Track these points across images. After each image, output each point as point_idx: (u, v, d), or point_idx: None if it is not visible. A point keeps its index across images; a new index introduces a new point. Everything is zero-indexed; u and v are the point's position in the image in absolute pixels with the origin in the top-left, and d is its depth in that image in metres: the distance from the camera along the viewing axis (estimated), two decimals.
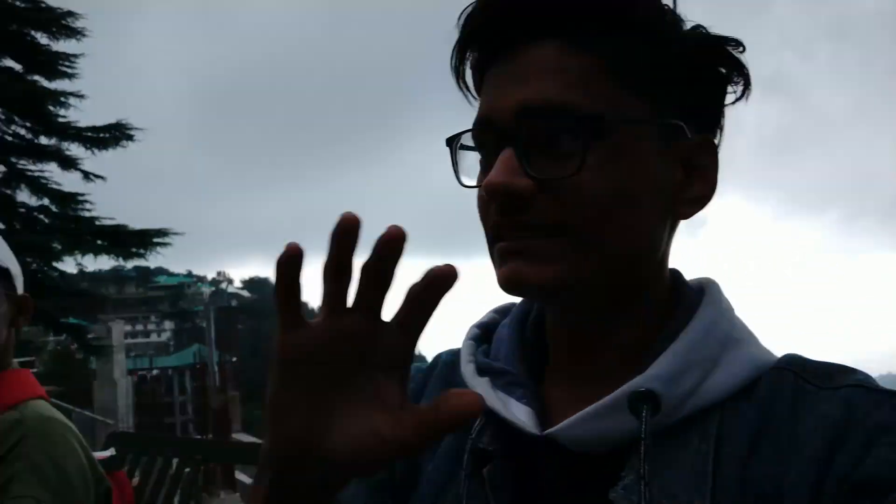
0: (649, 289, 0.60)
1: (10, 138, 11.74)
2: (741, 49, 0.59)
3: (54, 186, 11.88)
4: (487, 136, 0.58)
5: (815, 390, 0.54)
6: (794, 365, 0.57)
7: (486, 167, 0.59)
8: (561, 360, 0.63)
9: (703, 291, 0.62)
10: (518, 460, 0.60)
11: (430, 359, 0.76)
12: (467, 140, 0.61)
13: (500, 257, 0.57)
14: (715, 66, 0.59)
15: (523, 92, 0.55)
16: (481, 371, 0.64)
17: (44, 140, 11.99)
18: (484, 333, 0.70)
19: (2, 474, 1.08)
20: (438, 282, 0.43)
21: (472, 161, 0.62)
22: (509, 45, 0.57)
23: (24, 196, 11.67)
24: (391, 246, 0.42)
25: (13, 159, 11.65)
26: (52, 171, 11.88)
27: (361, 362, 0.45)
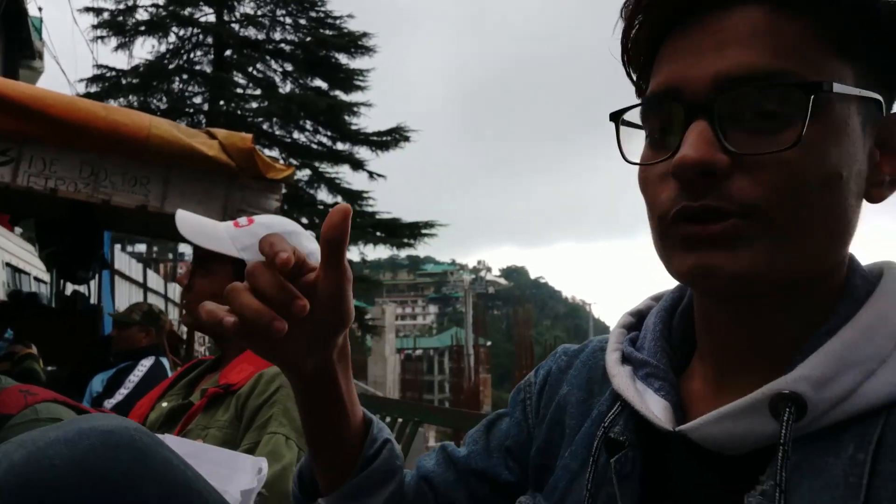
0: (829, 279, 0.54)
1: (315, 146, 13.97)
2: None
3: (346, 186, 13.84)
4: (672, 108, 0.52)
5: None
6: None
7: (659, 144, 0.54)
8: (707, 353, 0.59)
9: (881, 278, 0.55)
10: (649, 452, 0.57)
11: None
12: (632, 116, 0.57)
13: (685, 244, 0.51)
14: None
15: (725, 60, 0.50)
16: (625, 359, 0.63)
17: (339, 146, 14.00)
18: (637, 321, 0.68)
19: (263, 416, 1.34)
20: (336, 218, 0.56)
21: (636, 139, 0.57)
22: (702, 9, 0.52)
23: (322, 195, 13.79)
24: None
25: (317, 164, 13.83)
26: (344, 173, 13.91)
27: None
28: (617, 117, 0.57)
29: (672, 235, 0.52)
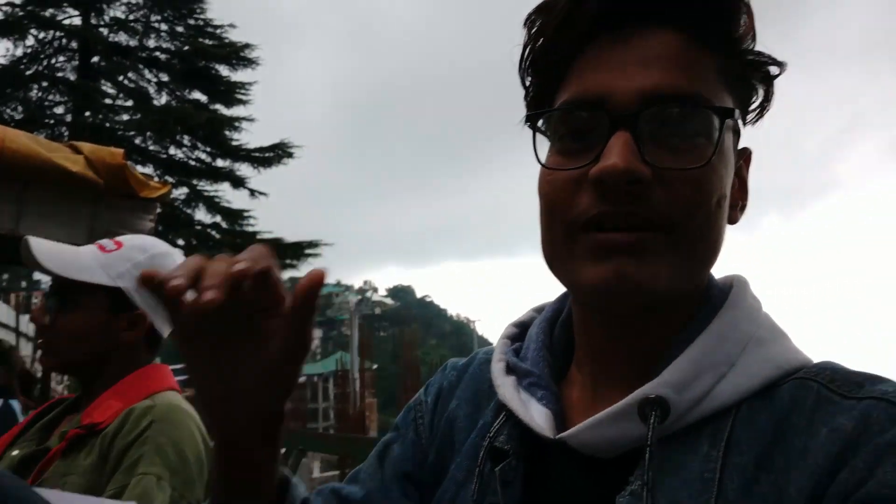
0: (695, 292, 0.59)
1: (193, 163, 13.29)
2: (781, 70, 0.59)
3: (226, 204, 13.26)
4: (595, 117, 0.54)
5: (838, 400, 0.51)
6: (822, 374, 0.54)
7: (572, 151, 0.56)
8: (585, 361, 0.62)
9: (731, 289, 0.61)
10: (532, 460, 0.60)
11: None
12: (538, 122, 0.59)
13: (598, 253, 0.53)
14: (758, 85, 0.60)
15: (650, 77, 0.53)
16: (510, 369, 0.65)
17: (220, 162, 13.42)
18: (521, 332, 0.71)
19: (132, 456, 1.23)
20: (314, 282, 0.50)
21: (540, 145, 0.59)
22: (622, 27, 0.55)
23: (200, 214, 13.12)
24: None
25: (195, 181, 13.15)
26: (224, 191, 13.30)
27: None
28: (535, 120, 0.58)
29: (581, 243, 0.54)
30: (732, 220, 0.59)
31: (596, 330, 0.60)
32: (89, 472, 1.23)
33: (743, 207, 0.61)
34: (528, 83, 0.62)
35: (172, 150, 13.18)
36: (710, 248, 0.56)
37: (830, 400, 0.51)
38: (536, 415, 0.59)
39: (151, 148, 12.91)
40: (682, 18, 0.55)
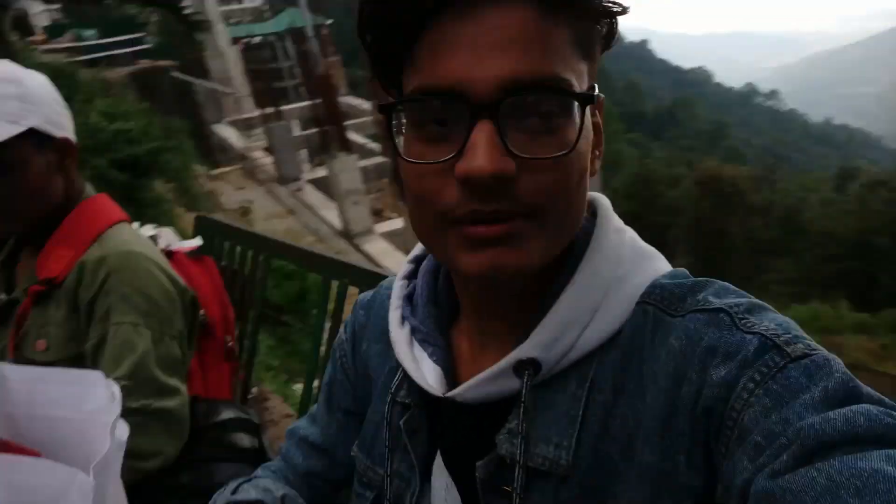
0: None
1: None
2: (625, 11, 0.55)
3: None
4: (455, 107, 0.52)
5: (669, 320, 0.55)
6: (654, 296, 0.58)
7: (434, 138, 0.53)
8: (468, 314, 0.66)
9: (594, 219, 0.63)
10: (431, 409, 0.66)
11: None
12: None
13: (472, 244, 0.53)
14: (608, 27, 0.57)
15: (508, 62, 0.50)
16: (404, 319, 0.69)
17: None
18: (416, 267, 0.73)
19: (101, 308, 1.21)
20: None
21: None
22: (466, 2, 0.51)
23: None
24: None
25: None
26: None
27: None
28: (389, 111, 0.56)
29: (454, 234, 0.54)
30: (593, 173, 0.59)
31: (473, 293, 0.64)
32: (64, 322, 1.24)
33: (601, 154, 0.61)
34: (367, 44, 0.56)
35: None
36: (576, 215, 0.57)
37: (663, 321, 0.56)
38: (427, 373, 0.65)
39: None
40: None
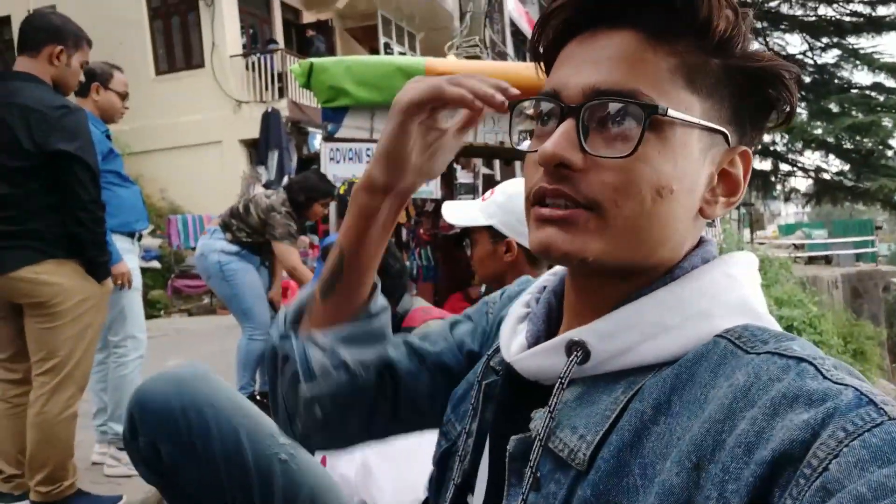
0: (658, 268, 0.62)
1: (847, 18, 11.58)
2: (796, 78, 0.59)
3: (889, 60, 11.18)
4: (553, 107, 0.61)
5: (742, 355, 0.53)
6: (734, 332, 0.55)
7: (539, 133, 0.63)
8: (568, 314, 0.68)
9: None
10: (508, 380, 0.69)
11: None
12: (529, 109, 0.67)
13: (537, 222, 0.60)
14: (767, 90, 0.60)
15: (597, 74, 0.57)
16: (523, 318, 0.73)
17: (882, 10, 11.36)
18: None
19: None
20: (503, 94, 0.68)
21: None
22: (591, 26, 0.60)
23: (858, 75, 11.51)
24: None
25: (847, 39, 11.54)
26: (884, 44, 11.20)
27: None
28: (512, 108, 0.69)
29: (532, 214, 0.61)
30: (706, 215, 0.61)
31: (571, 289, 0.67)
32: None
33: (725, 204, 0.62)
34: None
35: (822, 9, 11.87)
36: (649, 232, 0.58)
37: (735, 354, 0.53)
38: (514, 344, 0.67)
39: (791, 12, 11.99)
40: (646, 19, 0.58)
